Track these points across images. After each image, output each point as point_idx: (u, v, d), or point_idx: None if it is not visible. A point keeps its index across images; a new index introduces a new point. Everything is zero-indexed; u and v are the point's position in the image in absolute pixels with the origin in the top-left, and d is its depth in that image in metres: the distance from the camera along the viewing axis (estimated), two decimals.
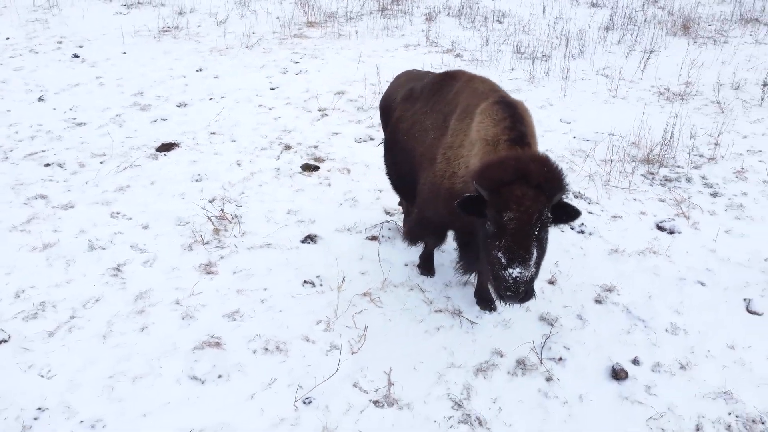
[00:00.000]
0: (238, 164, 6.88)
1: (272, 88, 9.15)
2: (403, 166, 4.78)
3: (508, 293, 3.39)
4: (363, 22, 12.60)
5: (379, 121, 7.93)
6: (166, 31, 11.59)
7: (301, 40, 11.51)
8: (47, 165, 6.72)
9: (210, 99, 8.68)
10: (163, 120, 7.98)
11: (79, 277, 5.00)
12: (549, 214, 3.39)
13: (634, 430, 3.76)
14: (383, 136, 5.54)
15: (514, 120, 3.73)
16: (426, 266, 5.15)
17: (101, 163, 6.80)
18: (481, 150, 3.74)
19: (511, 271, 3.32)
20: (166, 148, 7.21)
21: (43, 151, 7.02)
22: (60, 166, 6.72)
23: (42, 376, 4.03)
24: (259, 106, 8.50)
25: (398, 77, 5.45)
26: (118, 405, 3.83)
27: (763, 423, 3.81)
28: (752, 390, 4.06)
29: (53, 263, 5.15)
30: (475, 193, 3.44)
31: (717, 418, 3.85)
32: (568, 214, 3.49)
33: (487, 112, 3.84)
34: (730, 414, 3.88)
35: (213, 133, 7.63)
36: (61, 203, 6.00)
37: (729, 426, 3.80)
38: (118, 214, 5.87)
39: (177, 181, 6.50)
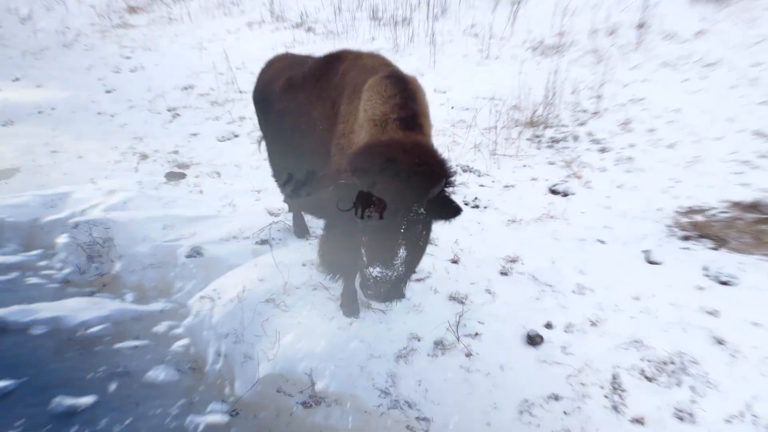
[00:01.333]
0: (93, 182, 7.08)
1: (108, 92, 9.30)
2: (291, 165, 4.90)
3: (369, 292, 3.50)
4: (194, 1, 12.75)
5: (241, 116, 8.44)
6: None
7: (127, 30, 11.58)
8: None
9: (39, 113, 8.70)
10: None
11: None
12: (422, 210, 3.43)
13: (556, 389, 4.46)
14: (261, 133, 5.87)
15: (405, 97, 3.80)
16: (351, 306, 5.00)
17: None
18: (368, 133, 3.78)
19: (371, 270, 3.41)
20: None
21: None
22: None
23: None
24: (99, 113, 8.65)
25: (270, 64, 5.57)
26: None
27: (673, 363, 4.61)
28: (660, 335, 4.88)
29: None
30: (350, 180, 3.47)
31: (631, 365, 4.61)
32: (447, 211, 3.55)
33: (375, 88, 3.89)
34: (642, 360, 4.65)
35: (54, 152, 7.73)
36: None
37: (642, 371, 4.57)
38: None
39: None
